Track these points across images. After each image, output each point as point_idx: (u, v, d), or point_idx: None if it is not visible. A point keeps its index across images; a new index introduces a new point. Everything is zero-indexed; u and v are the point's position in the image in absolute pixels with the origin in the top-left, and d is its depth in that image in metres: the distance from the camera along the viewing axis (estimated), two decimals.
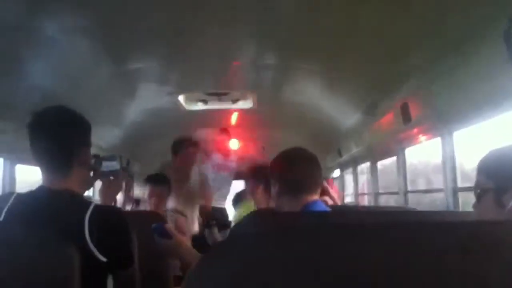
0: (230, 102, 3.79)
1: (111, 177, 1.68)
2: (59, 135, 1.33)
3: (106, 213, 1.33)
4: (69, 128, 1.36)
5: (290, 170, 1.75)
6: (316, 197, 1.75)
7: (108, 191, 1.69)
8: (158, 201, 2.96)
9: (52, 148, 1.32)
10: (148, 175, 3.11)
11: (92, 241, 1.22)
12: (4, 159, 2.73)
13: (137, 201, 4.04)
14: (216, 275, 0.56)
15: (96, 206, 1.30)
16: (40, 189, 1.34)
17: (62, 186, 1.32)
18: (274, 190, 1.78)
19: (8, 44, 1.96)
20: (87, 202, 1.35)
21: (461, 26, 1.79)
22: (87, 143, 1.42)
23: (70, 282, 1.09)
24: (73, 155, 1.35)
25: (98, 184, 1.77)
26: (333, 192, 3.57)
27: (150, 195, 2.97)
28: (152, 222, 2.08)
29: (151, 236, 1.72)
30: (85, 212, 1.25)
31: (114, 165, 1.71)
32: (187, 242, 1.74)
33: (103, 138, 3.80)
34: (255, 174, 2.69)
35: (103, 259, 1.24)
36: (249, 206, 2.96)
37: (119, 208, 2.00)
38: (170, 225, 1.83)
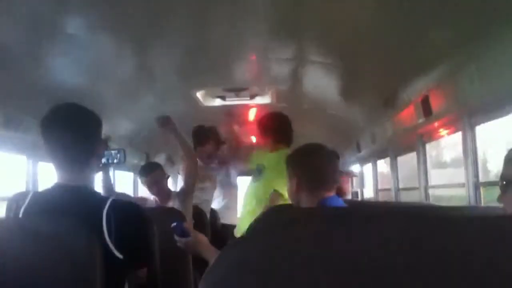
0: (248, 97, 3.78)
1: None
2: (74, 131, 1.33)
3: (124, 208, 1.32)
4: (84, 124, 1.36)
5: (311, 166, 1.75)
6: (333, 192, 1.75)
7: None
8: (159, 187, 3.00)
9: (68, 145, 1.32)
10: (141, 166, 3.12)
11: (109, 236, 1.22)
12: (27, 157, 2.78)
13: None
14: (235, 268, 0.56)
15: (114, 201, 1.30)
16: (56, 186, 1.34)
17: (79, 182, 1.32)
18: (291, 184, 1.77)
19: (32, 42, 1.99)
20: (104, 196, 1.36)
21: (484, 15, 1.75)
22: (100, 138, 1.42)
23: (92, 278, 1.10)
24: (89, 150, 1.36)
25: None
26: (344, 183, 3.61)
27: (149, 185, 2.99)
28: (172, 217, 2.09)
29: (171, 232, 1.73)
30: (103, 207, 1.25)
31: (119, 157, 1.77)
32: (205, 239, 1.75)
33: (124, 132, 3.85)
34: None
35: (120, 255, 1.23)
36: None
37: (138, 204, 2.01)
38: (187, 224, 1.86)
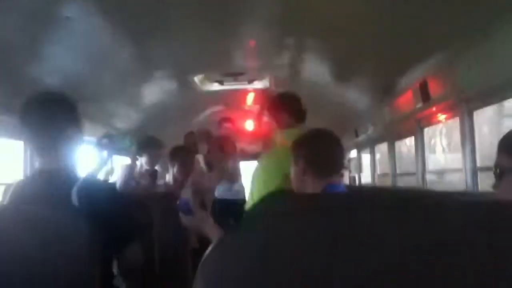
0: (246, 82, 3.77)
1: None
2: (44, 118, 1.38)
3: (94, 187, 1.38)
4: (53, 111, 1.40)
5: (319, 151, 1.73)
6: (339, 178, 1.75)
7: None
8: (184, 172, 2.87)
9: (38, 129, 1.38)
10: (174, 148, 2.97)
11: (81, 215, 1.24)
12: (24, 143, 2.78)
13: (153, 174, 4.01)
14: (238, 251, 0.57)
15: (85, 180, 1.35)
16: (35, 171, 1.43)
17: (52, 165, 1.37)
18: (297, 169, 1.75)
19: (30, 28, 1.98)
20: (75, 177, 1.39)
21: (482, 3, 1.74)
22: (74, 122, 1.45)
23: (65, 258, 1.09)
24: (59, 134, 1.40)
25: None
26: None
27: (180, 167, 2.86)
28: (168, 201, 2.09)
29: (167, 214, 1.73)
30: (72, 187, 1.29)
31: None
32: (209, 218, 1.74)
33: (124, 119, 3.84)
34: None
35: (97, 235, 1.22)
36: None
37: (110, 183, 2.06)
38: (193, 202, 1.83)
